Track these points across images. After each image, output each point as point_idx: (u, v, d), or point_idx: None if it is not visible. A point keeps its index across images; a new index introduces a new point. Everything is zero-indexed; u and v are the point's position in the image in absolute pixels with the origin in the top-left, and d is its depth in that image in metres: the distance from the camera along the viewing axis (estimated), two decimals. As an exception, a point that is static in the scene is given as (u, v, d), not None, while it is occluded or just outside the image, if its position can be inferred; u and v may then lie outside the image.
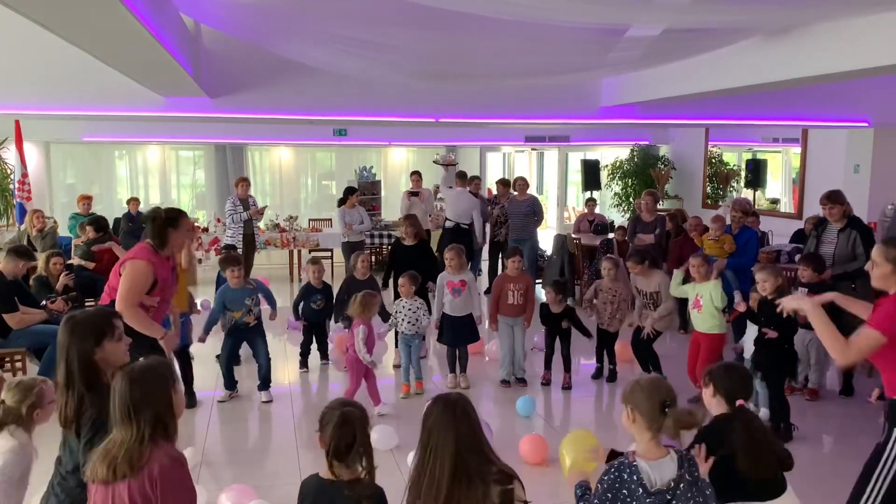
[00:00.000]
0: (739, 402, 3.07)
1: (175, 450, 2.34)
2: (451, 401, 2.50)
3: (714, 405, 3.13)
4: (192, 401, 5.98)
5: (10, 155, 10.96)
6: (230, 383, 6.24)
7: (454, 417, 2.43)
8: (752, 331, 5.66)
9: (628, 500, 2.52)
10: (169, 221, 4.37)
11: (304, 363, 6.99)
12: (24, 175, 9.77)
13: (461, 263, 6.40)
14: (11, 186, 10.95)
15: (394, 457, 4.99)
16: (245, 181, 10.21)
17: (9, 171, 11.59)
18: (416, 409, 6.17)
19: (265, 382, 6.22)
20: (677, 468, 2.55)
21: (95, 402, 2.57)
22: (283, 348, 7.69)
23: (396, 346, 6.78)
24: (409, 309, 6.25)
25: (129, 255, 4.34)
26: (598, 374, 6.77)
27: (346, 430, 2.51)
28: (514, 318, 6.45)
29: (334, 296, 6.98)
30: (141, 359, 2.66)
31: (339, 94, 7.90)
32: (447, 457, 2.37)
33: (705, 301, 5.79)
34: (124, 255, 4.48)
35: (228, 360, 6.21)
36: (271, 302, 6.60)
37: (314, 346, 7.12)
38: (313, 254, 11.74)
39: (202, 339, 6.16)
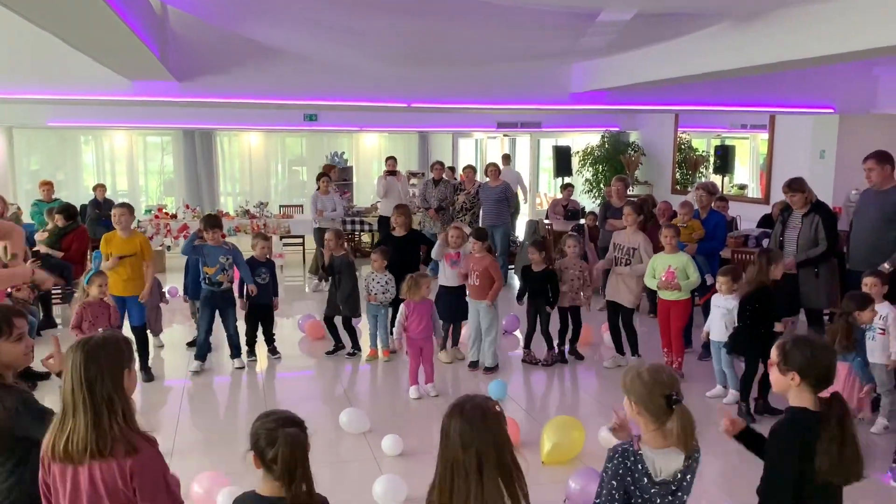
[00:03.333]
0: (833, 390, 2.55)
1: (142, 437, 2.27)
2: (475, 411, 2.18)
3: (796, 393, 2.55)
4: (148, 376, 6.22)
5: (-29, 140, 10.71)
6: (203, 354, 6.49)
7: (482, 428, 2.14)
8: (716, 312, 5.74)
9: (632, 488, 2.36)
10: None
11: (251, 352, 6.76)
12: (-14, 161, 9.56)
13: (461, 238, 6.67)
14: (-27, 172, 10.70)
15: (366, 439, 5.00)
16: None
17: (-30, 157, 11.33)
18: (386, 391, 6.19)
19: (236, 350, 6.52)
20: (684, 459, 2.40)
21: None
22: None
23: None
24: (379, 282, 6.60)
25: None
26: (562, 358, 6.79)
27: (299, 452, 2.26)
28: (478, 300, 6.48)
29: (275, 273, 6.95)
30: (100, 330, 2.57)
31: (309, 78, 7.81)
32: (484, 474, 2.10)
33: (679, 272, 5.97)
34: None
35: (207, 330, 6.43)
36: (247, 277, 6.55)
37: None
38: (284, 240, 11.69)
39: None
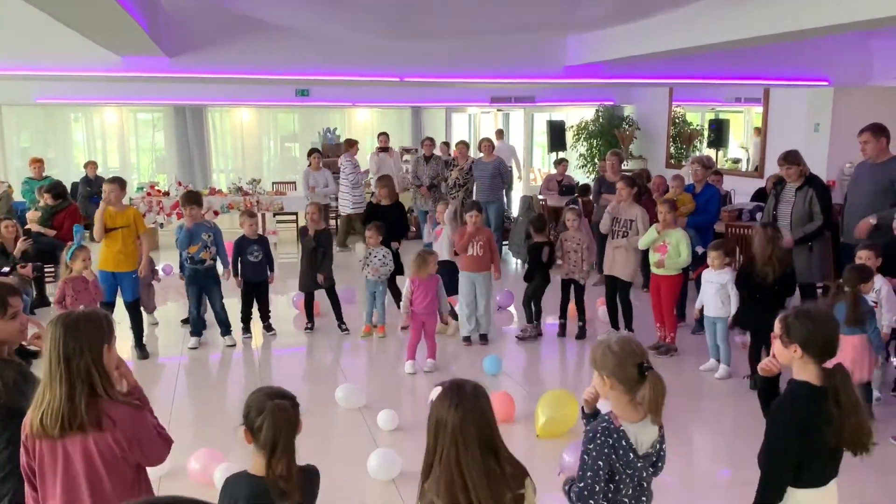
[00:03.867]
0: (835, 362, 2.52)
1: (130, 405, 2.29)
2: (465, 392, 2.15)
3: (800, 366, 2.54)
4: (143, 353, 6.25)
5: (-40, 117, 10.59)
6: (198, 330, 6.56)
7: (469, 410, 2.11)
8: (708, 288, 5.75)
9: (618, 465, 2.34)
10: None
11: (246, 329, 6.75)
12: (-25, 138, 9.46)
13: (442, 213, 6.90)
14: (-38, 150, 10.59)
15: (362, 415, 5.02)
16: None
17: (-41, 135, 11.22)
18: (383, 369, 6.21)
19: (225, 327, 6.56)
20: (658, 430, 2.42)
21: None
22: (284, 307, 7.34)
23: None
24: (377, 257, 6.66)
25: None
26: (562, 332, 6.83)
27: (284, 425, 2.26)
28: (476, 273, 6.48)
29: (270, 249, 6.92)
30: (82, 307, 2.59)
31: (301, 53, 7.73)
32: (469, 457, 2.07)
33: (671, 248, 5.97)
34: None
35: (196, 308, 6.50)
36: (223, 257, 6.53)
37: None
38: (277, 217, 11.66)
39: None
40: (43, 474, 2.26)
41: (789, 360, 2.56)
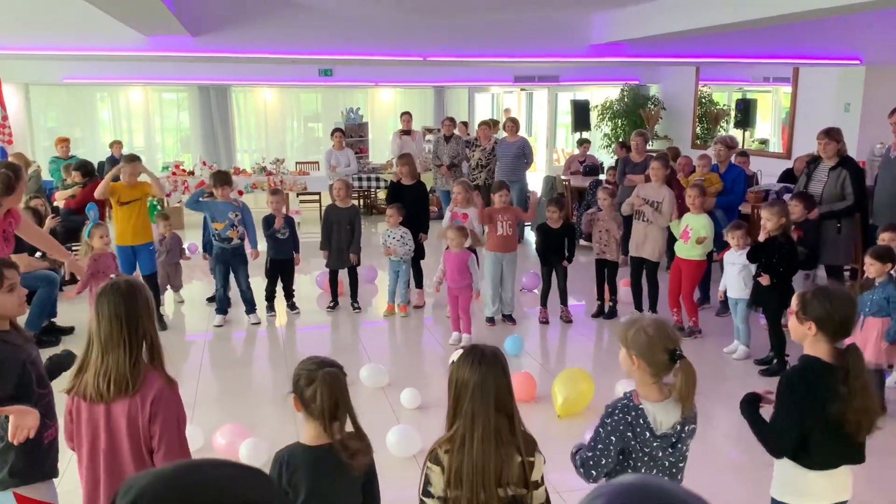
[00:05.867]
0: (849, 341, 2.54)
1: (165, 377, 2.35)
2: (486, 354, 2.23)
3: (811, 343, 2.55)
4: (161, 325, 6.32)
5: (-11, 97, 10.72)
6: (223, 308, 6.61)
7: (490, 372, 2.18)
8: (731, 269, 5.71)
9: (633, 443, 2.35)
10: None
11: (270, 307, 6.83)
12: (4, 118, 9.58)
13: (466, 198, 6.64)
14: (-9, 130, 10.73)
15: (385, 393, 5.06)
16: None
17: (-12, 114, 11.36)
18: (406, 346, 6.25)
19: (250, 305, 6.61)
20: (682, 411, 2.38)
21: None
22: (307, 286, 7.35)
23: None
24: (394, 237, 6.65)
25: None
26: (598, 313, 6.81)
27: (340, 391, 2.32)
28: (501, 254, 6.47)
29: (296, 228, 6.97)
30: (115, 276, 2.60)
31: (324, 32, 7.73)
32: (480, 414, 2.15)
33: (694, 232, 5.93)
34: None
35: (223, 285, 6.54)
36: (251, 236, 6.57)
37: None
38: (300, 198, 11.70)
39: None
40: (81, 436, 2.33)
41: (802, 337, 2.57)
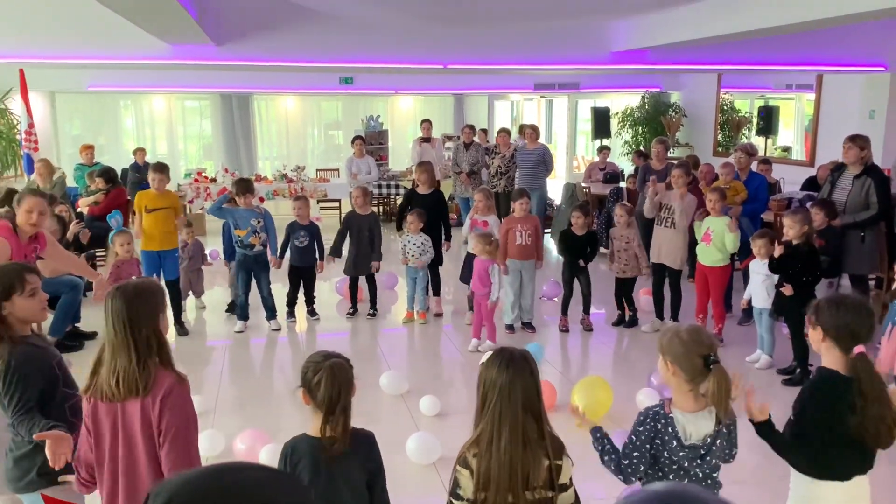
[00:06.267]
0: (859, 349, 2.51)
1: (175, 374, 2.34)
2: (515, 356, 2.25)
3: (825, 352, 2.58)
4: (182, 330, 6.53)
5: (16, 105, 10.89)
6: (244, 314, 6.65)
7: (518, 373, 2.21)
8: (756, 278, 5.65)
9: (661, 450, 2.36)
10: (12, 201, 4.33)
11: (290, 313, 6.88)
12: (31, 125, 9.71)
13: (487, 205, 6.69)
14: (18, 137, 10.90)
15: (404, 401, 5.05)
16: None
17: (15, 122, 11.54)
18: (429, 355, 6.24)
19: (271, 312, 6.65)
20: (715, 424, 2.37)
21: (3, 354, 2.57)
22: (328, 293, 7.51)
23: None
24: (415, 244, 6.65)
25: None
26: (619, 321, 6.77)
27: (343, 382, 2.33)
28: (522, 262, 6.45)
29: (320, 235, 6.97)
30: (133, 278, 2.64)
31: (345, 40, 7.77)
32: (507, 414, 2.17)
33: (716, 235, 5.88)
34: None
35: (245, 291, 6.58)
36: (272, 243, 6.59)
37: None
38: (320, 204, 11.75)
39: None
40: (101, 437, 2.34)
41: (817, 345, 2.61)
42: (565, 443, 2.30)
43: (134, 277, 2.67)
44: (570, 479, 2.27)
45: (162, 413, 2.26)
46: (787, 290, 5.27)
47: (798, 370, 5.37)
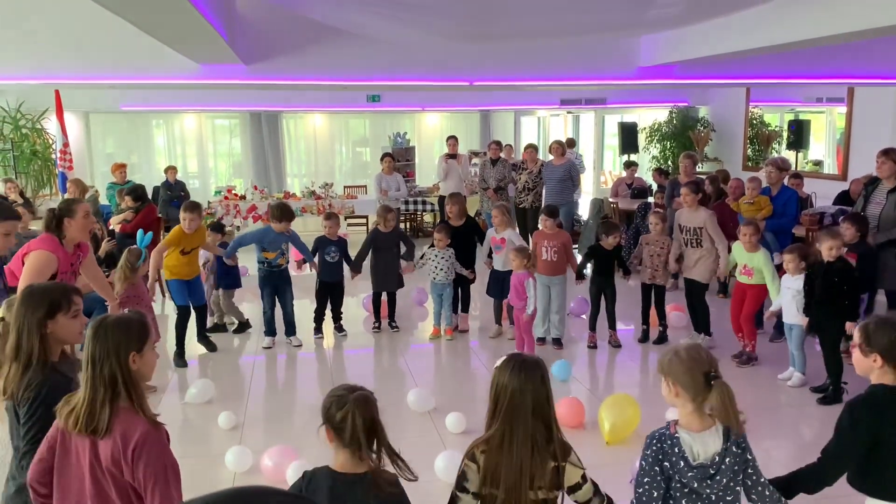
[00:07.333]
0: None
1: (149, 420, 2.19)
2: (527, 362, 2.35)
3: (877, 375, 2.56)
4: (211, 346, 6.61)
5: (52, 125, 11.14)
6: (271, 330, 6.71)
7: (528, 379, 2.29)
8: (787, 293, 5.57)
9: (670, 472, 2.35)
10: (63, 212, 4.40)
11: (318, 329, 6.91)
12: (66, 145, 9.93)
13: (503, 221, 6.72)
14: (53, 156, 11.14)
15: (430, 417, 5.04)
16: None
17: (50, 141, 11.80)
18: (453, 370, 6.22)
19: (291, 327, 6.72)
20: (723, 442, 2.35)
21: (36, 380, 2.51)
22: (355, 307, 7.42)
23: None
24: (442, 258, 6.67)
25: (34, 244, 4.34)
26: (644, 338, 6.69)
27: (368, 412, 2.22)
28: (549, 277, 6.46)
29: (348, 251, 7.02)
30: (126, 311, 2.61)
31: (372, 59, 7.83)
32: (517, 418, 2.26)
33: (756, 271, 5.83)
34: (28, 245, 4.41)
35: (270, 308, 6.64)
36: (306, 253, 6.72)
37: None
38: (348, 220, 11.82)
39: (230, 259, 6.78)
40: (59, 468, 2.28)
41: (868, 370, 2.57)
42: (596, 460, 2.31)
43: (125, 311, 2.61)
44: (583, 476, 2.38)
45: (136, 464, 2.13)
46: (804, 322, 5.31)
47: (831, 387, 5.27)
